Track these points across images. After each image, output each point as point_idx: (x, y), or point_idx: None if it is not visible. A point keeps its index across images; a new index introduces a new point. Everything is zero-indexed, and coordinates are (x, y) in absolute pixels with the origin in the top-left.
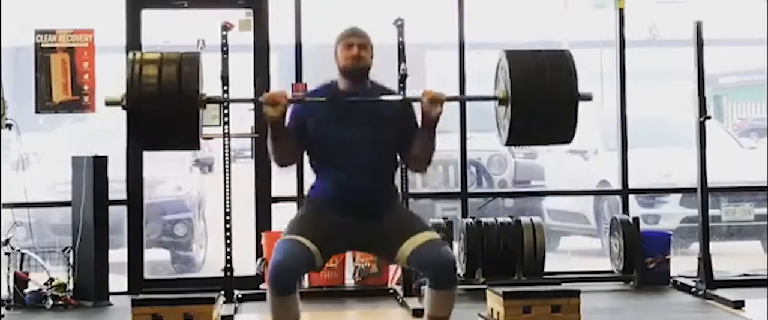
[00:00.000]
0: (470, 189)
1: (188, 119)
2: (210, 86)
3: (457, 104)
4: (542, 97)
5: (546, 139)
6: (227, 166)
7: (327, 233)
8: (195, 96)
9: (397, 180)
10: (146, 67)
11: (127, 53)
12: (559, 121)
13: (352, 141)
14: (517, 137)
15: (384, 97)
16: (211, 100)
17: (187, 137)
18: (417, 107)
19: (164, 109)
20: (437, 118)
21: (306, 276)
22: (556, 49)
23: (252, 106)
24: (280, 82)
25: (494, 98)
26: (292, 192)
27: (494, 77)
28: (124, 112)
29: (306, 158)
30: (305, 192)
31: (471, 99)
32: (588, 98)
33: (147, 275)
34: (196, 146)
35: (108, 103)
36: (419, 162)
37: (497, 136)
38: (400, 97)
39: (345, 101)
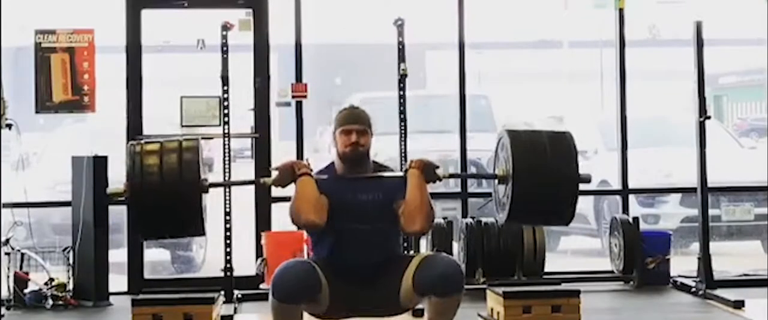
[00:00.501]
0: (470, 190)
1: (191, 207)
2: (210, 86)
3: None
4: (542, 178)
5: (545, 219)
6: (227, 166)
7: (336, 284)
8: (197, 183)
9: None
10: (147, 157)
11: (130, 52)
12: (559, 203)
13: (356, 233)
14: (516, 217)
15: (385, 174)
16: (214, 185)
17: (191, 225)
18: None
19: (167, 199)
20: (412, 178)
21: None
22: (557, 130)
23: (252, 105)
24: (280, 82)
25: (494, 176)
26: (292, 192)
27: (494, 155)
28: (125, 110)
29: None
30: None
31: (471, 177)
32: (587, 180)
33: (147, 275)
34: (201, 232)
35: (110, 195)
36: (409, 218)
37: (495, 214)
38: (400, 173)
39: (351, 179)
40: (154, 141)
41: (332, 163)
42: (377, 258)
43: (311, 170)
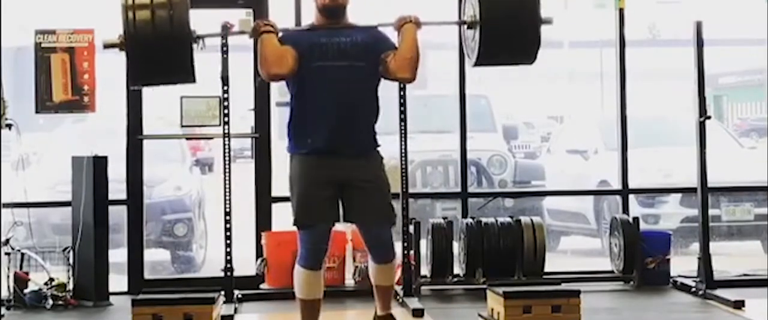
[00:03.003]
0: (470, 189)
1: (182, 53)
2: (210, 86)
3: (457, 109)
4: (508, 20)
5: (511, 59)
6: (227, 166)
7: (324, 197)
8: (187, 31)
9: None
10: (139, 6)
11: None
12: (523, 43)
13: (333, 69)
14: (484, 57)
15: (360, 26)
16: (201, 37)
17: (182, 70)
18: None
19: (159, 45)
20: (410, 30)
21: None
22: None
23: (252, 105)
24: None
25: (463, 22)
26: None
27: (462, 3)
28: (125, 110)
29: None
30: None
31: (439, 23)
32: (549, 22)
33: (147, 275)
34: (191, 79)
35: (106, 46)
36: (402, 65)
37: (467, 58)
38: (374, 25)
39: (326, 28)
40: None
41: (312, 24)
42: (355, 98)
43: (273, 26)
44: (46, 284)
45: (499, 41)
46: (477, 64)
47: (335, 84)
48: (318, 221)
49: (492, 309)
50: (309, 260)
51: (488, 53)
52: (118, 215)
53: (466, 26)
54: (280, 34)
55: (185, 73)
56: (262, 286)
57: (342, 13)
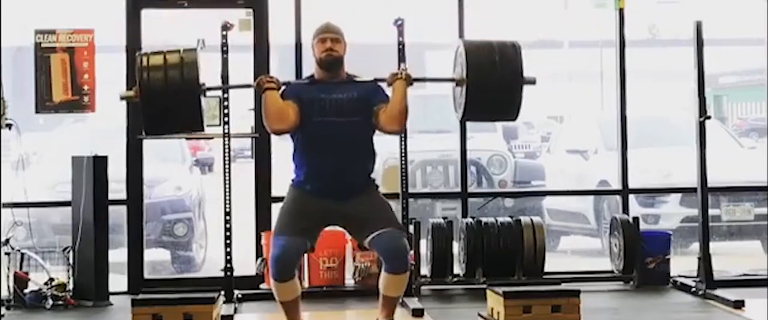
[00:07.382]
0: (470, 189)
1: (192, 104)
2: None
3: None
4: (493, 80)
5: (495, 116)
6: (227, 166)
7: (309, 220)
8: (196, 84)
9: (376, 170)
10: (153, 64)
11: (130, 52)
12: (507, 101)
13: (331, 124)
14: (470, 113)
15: (359, 79)
16: (211, 88)
17: (192, 120)
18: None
19: (171, 97)
20: (400, 86)
21: (305, 273)
22: (506, 40)
23: (252, 105)
24: None
25: (452, 80)
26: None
27: (453, 62)
28: (125, 110)
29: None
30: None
31: (430, 80)
32: (532, 82)
33: (147, 275)
34: (200, 127)
35: (123, 98)
36: (391, 119)
37: (454, 112)
38: (371, 79)
39: (327, 83)
40: (157, 52)
41: (311, 75)
42: (351, 150)
43: (275, 82)
44: (46, 284)
45: (484, 102)
46: (463, 119)
47: (332, 139)
48: (294, 235)
49: (492, 309)
50: (278, 274)
51: (473, 111)
52: (118, 215)
53: (454, 83)
54: (282, 89)
55: (194, 124)
56: (262, 286)
57: (339, 65)
